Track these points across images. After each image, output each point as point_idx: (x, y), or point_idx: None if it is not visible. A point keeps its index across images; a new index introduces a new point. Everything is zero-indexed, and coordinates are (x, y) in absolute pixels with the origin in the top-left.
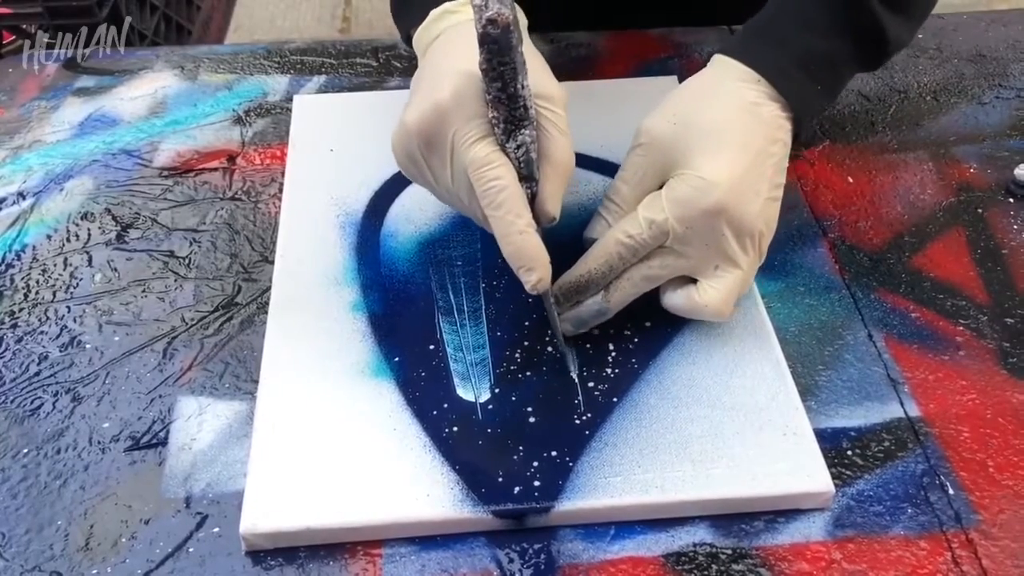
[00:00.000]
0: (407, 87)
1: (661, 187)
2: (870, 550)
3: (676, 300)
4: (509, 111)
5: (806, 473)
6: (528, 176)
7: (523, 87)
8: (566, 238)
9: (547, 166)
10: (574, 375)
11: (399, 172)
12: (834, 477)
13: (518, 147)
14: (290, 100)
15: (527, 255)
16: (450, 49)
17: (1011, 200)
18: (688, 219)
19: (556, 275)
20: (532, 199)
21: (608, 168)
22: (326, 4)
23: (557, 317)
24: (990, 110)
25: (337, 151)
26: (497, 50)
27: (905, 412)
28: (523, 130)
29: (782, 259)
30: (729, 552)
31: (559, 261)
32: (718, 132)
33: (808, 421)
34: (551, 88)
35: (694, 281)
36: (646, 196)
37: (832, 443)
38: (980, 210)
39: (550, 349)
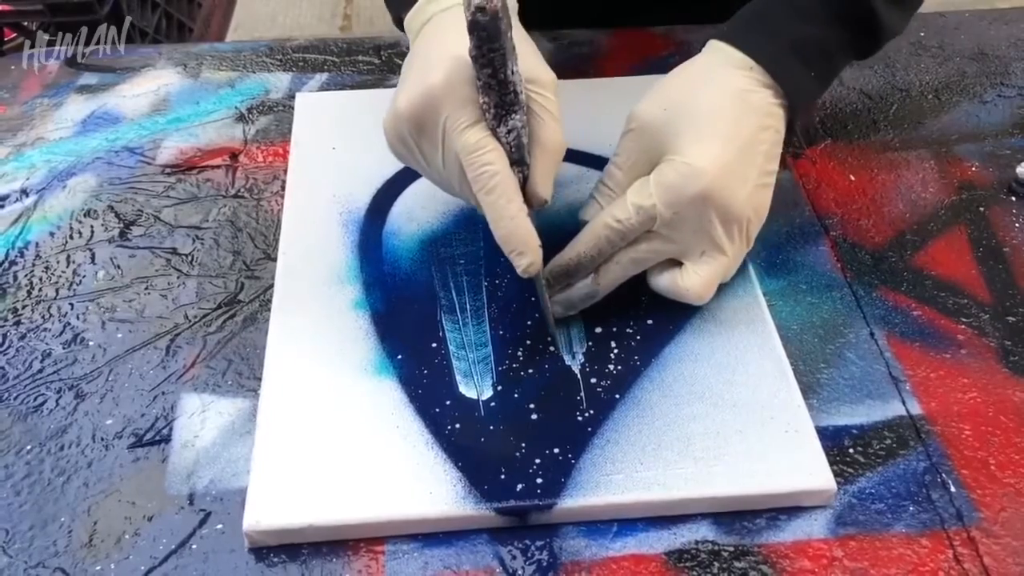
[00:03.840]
0: None
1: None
2: (872, 548)
3: (661, 282)
4: (500, 96)
5: (808, 471)
6: (519, 160)
7: (513, 73)
8: (563, 228)
9: (538, 150)
10: (566, 357)
11: (402, 170)
12: (836, 475)
13: (509, 132)
14: (292, 98)
15: (518, 239)
16: (440, 34)
17: (1013, 199)
18: (675, 204)
19: (548, 259)
20: (524, 183)
21: None
22: (327, 2)
23: (548, 300)
24: (992, 108)
25: (339, 149)
26: (486, 37)
27: (907, 410)
28: (514, 115)
29: (784, 257)
30: (731, 549)
31: (554, 247)
32: (707, 119)
33: (810, 419)
34: (541, 73)
35: (681, 263)
36: (637, 180)
37: (834, 441)
38: (982, 208)
39: (552, 348)
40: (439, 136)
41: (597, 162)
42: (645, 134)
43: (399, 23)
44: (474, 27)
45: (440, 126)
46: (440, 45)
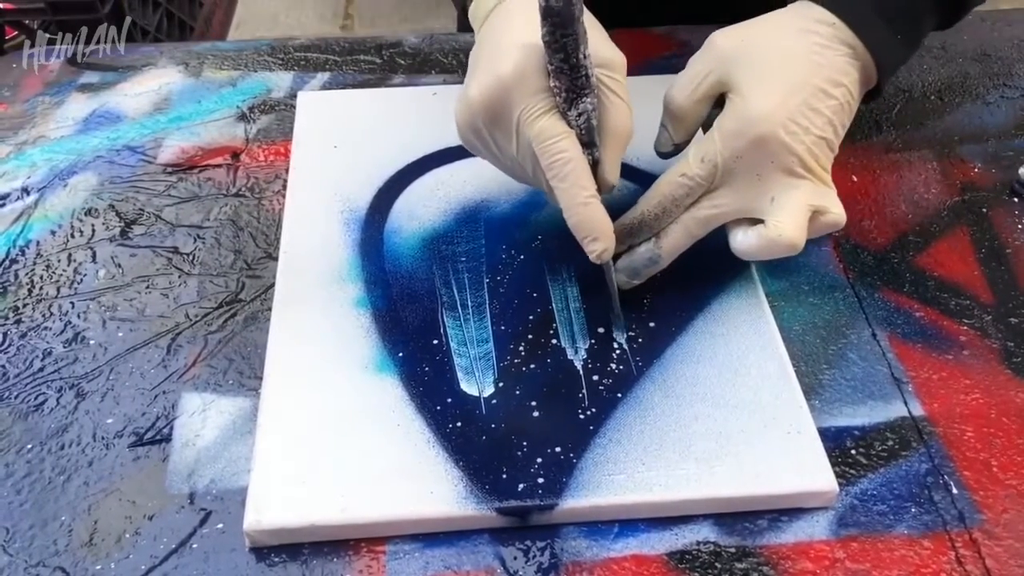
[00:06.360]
0: (411, 84)
1: (710, 122)
2: (873, 549)
3: (748, 242)
4: (571, 80)
5: (810, 472)
6: (589, 143)
7: (585, 56)
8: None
9: (606, 134)
10: (622, 340)
11: (403, 168)
12: (838, 476)
13: (579, 115)
14: (294, 97)
15: (592, 225)
16: (507, 22)
17: (1015, 200)
18: (736, 150)
19: None
20: (594, 166)
21: None
22: (328, 1)
23: (614, 280)
24: (995, 110)
25: (341, 148)
26: (560, 22)
27: (909, 411)
28: (585, 98)
29: (786, 258)
30: (732, 551)
31: None
32: (777, 64)
33: (812, 420)
34: (611, 54)
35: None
36: (696, 104)
37: (836, 442)
38: (984, 209)
39: (555, 342)
40: (513, 125)
41: None
42: (718, 58)
43: (464, 13)
44: (548, 13)
45: (514, 115)
46: (507, 34)
